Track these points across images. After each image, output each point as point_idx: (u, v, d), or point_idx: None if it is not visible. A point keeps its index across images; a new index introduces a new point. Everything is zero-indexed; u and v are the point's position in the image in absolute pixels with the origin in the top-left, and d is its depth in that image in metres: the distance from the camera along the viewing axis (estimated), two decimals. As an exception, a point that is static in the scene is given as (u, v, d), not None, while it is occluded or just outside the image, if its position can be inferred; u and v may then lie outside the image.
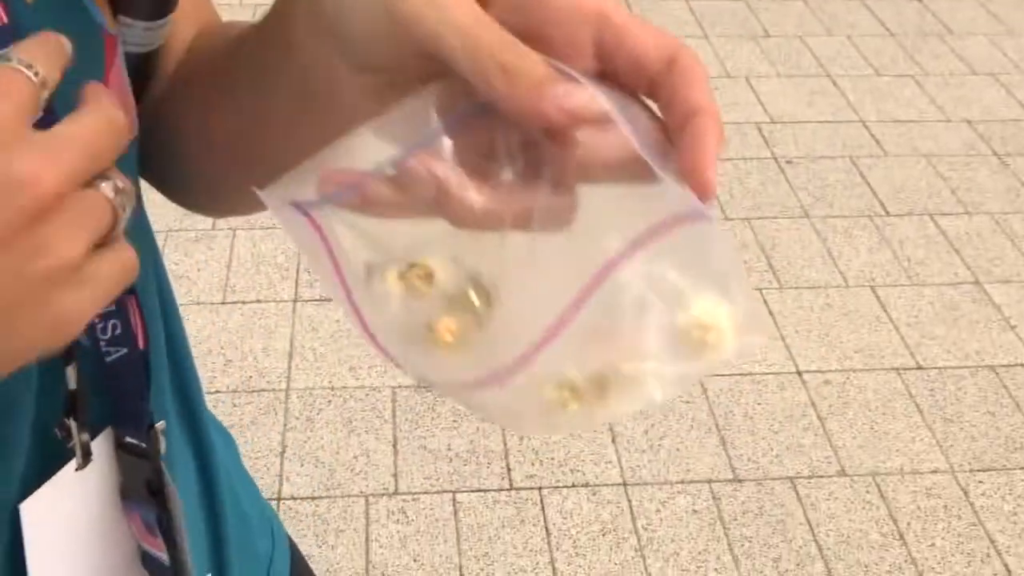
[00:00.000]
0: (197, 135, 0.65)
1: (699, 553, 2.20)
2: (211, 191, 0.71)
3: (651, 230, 0.40)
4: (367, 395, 2.48)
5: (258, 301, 2.74)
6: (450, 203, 0.44)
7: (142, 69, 0.63)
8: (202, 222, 2.93)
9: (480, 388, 0.43)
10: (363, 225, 0.44)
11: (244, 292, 2.76)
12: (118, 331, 0.57)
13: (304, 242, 0.45)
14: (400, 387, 2.51)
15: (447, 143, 0.43)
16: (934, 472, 2.41)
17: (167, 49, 0.66)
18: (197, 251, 2.88)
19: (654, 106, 0.45)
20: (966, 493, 2.36)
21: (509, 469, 2.34)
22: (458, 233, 0.44)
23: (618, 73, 0.44)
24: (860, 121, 3.64)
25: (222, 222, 2.97)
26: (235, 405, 2.43)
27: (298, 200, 0.45)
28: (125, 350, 0.58)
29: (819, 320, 2.80)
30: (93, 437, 0.59)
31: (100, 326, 0.57)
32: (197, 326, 2.64)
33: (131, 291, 0.59)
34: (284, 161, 0.63)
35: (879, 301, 2.87)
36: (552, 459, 2.37)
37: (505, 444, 2.40)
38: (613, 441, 2.42)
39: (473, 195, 0.43)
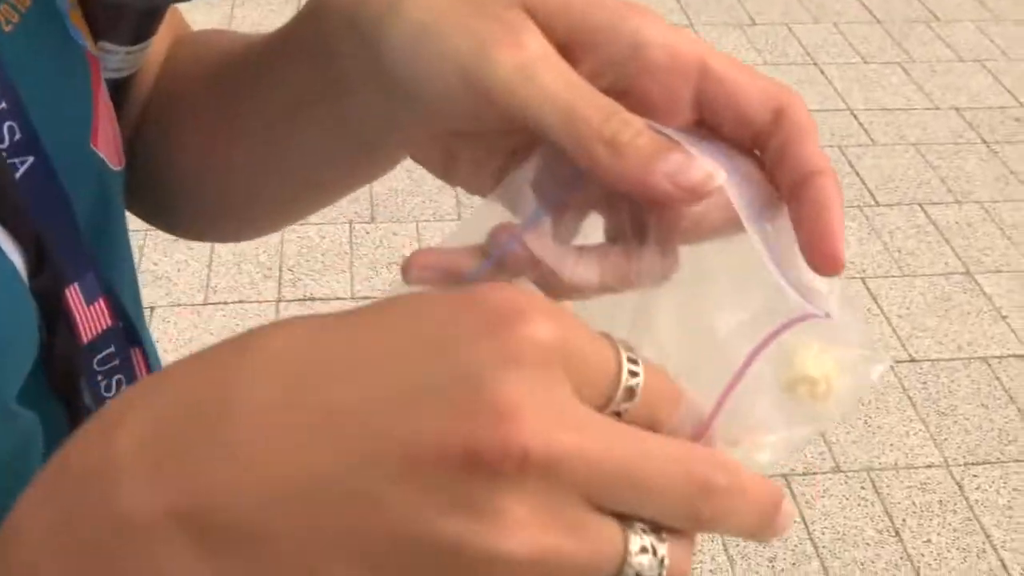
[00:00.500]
0: (199, 162, 0.61)
1: (694, 554, 2.16)
2: (215, 215, 0.67)
3: (773, 332, 0.37)
4: (353, 396, 2.44)
5: (240, 302, 2.69)
6: (547, 280, 0.40)
7: (117, 94, 0.59)
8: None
9: None
10: None
11: (226, 292, 2.71)
12: (124, 388, 0.53)
13: None
14: (387, 387, 2.47)
15: (546, 222, 0.40)
16: (928, 467, 2.38)
17: (140, 70, 0.62)
18: (177, 251, 2.83)
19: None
20: (961, 487, 2.34)
21: None
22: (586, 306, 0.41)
23: (721, 125, 0.41)
24: (848, 109, 3.61)
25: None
26: (219, 408, 2.38)
27: None
28: None
29: (810, 313, 2.77)
30: None
31: (104, 383, 0.52)
32: (179, 328, 2.59)
33: (136, 341, 0.55)
34: (315, 189, 0.60)
35: (870, 293, 2.84)
36: (542, 459, 2.34)
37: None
38: (604, 440, 2.39)
39: (569, 270, 0.40)
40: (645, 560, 0.32)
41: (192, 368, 0.34)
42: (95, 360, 0.51)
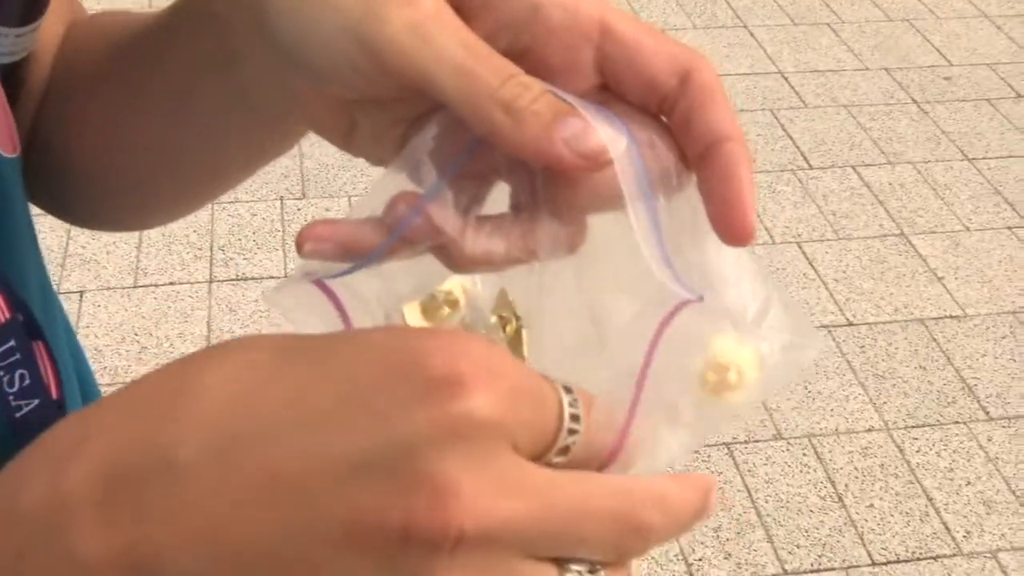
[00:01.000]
0: (102, 144, 0.59)
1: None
2: (119, 201, 0.65)
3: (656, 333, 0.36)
4: (290, 378, 2.40)
5: (171, 283, 2.63)
6: (450, 251, 0.39)
7: (10, 81, 0.56)
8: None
9: None
10: (380, 269, 0.40)
11: (156, 274, 2.65)
12: (27, 382, 0.51)
13: (309, 314, 0.39)
14: (324, 368, 2.43)
15: (447, 192, 0.39)
16: (869, 431, 2.39)
17: (35, 55, 0.59)
18: (105, 233, 2.76)
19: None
20: (902, 451, 2.35)
21: None
22: None
23: (625, 90, 0.39)
24: (779, 72, 3.60)
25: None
26: (152, 395, 2.33)
27: (319, 276, 0.40)
28: (37, 402, 0.52)
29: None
30: None
31: (6, 378, 0.50)
32: (108, 312, 2.53)
33: (38, 335, 0.53)
34: (220, 166, 0.58)
35: (806, 257, 2.84)
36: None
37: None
38: (546, 415, 2.37)
39: (472, 241, 0.39)
40: None
41: (134, 408, 0.33)
42: None
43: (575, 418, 0.33)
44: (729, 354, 0.37)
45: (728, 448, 2.32)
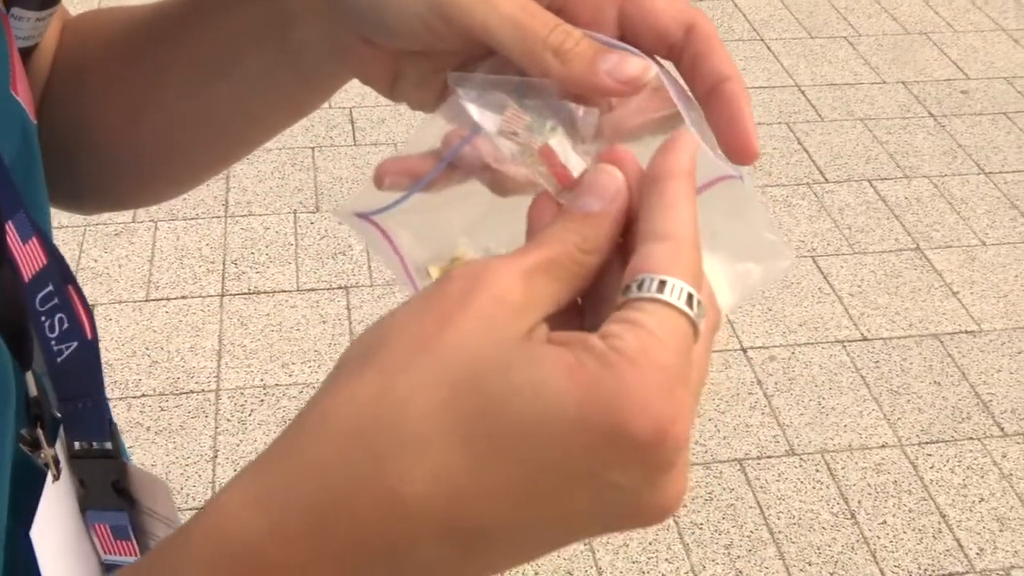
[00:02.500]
0: (124, 132, 0.63)
1: (649, 543, 2.14)
2: (147, 173, 0.68)
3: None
4: (301, 392, 2.40)
5: (183, 297, 2.63)
6: (496, 178, 0.46)
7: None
8: (121, 215, 2.82)
9: None
10: (416, 225, 0.48)
11: (168, 288, 2.66)
12: (66, 325, 0.55)
13: (378, 247, 0.49)
14: (335, 382, 2.42)
15: (491, 131, 0.45)
16: (883, 447, 2.37)
17: (40, 48, 0.62)
18: (117, 246, 2.76)
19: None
20: (915, 467, 2.33)
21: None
22: (488, 222, 0.47)
23: (640, 42, 0.46)
24: (795, 86, 3.59)
25: (143, 214, 2.86)
26: (163, 409, 2.33)
27: (360, 211, 0.48)
28: (76, 343, 0.55)
29: (762, 294, 2.75)
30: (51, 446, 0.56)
31: (47, 323, 0.54)
32: (120, 326, 2.53)
33: (69, 279, 0.56)
34: (255, 127, 0.63)
35: (821, 272, 2.83)
36: (495, 451, 2.30)
37: (446, 438, 2.32)
38: (557, 429, 2.36)
39: (513, 168, 0.45)
40: None
41: (349, 501, 0.36)
42: (37, 299, 0.54)
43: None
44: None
45: (740, 464, 2.31)
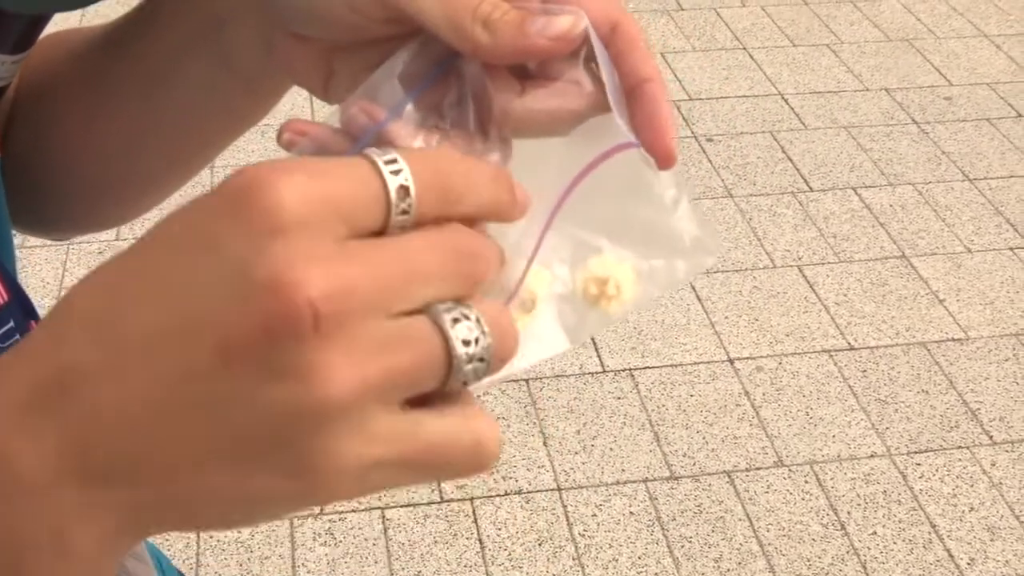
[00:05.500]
0: (80, 149, 0.64)
1: (639, 558, 2.13)
2: (95, 200, 0.69)
3: (589, 164, 0.43)
4: (287, 409, 2.38)
5: (167, 315, 2.61)
6: None
7: None
8: (105, 233, 2.80)
9: None
10: None
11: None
12: None
13: None
14: (321, 399, 2.41)
15: (410, 112, 0.44)
16: (871, 457, 2.37)
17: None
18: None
19: None
20: (904, 477, 2.32)
21: (439, 480, 2.25)
22: None
23: None
24: (778, 94, 3.59)
25: (126, 231, 2.84)
26: (148, 429, 2.31)
27: None
28: None
29: (748, 304, 2.74)
30: None
31: None
32: (104, 345, 2.51)
33: (33, 315, 0.58)
34: (201, 140, 0.63)
35: (807, 281, 2.83)
36: (483, 467, 2.29)
37: (433, 454, 2.31)
38: (545, 444, 2.35)
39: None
40: (463, 327, 0.35)
41: (38, 345, 0.36)
42: None
43: (404, 188, 0.35)
44: (608, 269, 0.44)
45: (729, 476, 2.30)
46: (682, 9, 4.08)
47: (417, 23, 0.44)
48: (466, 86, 0.45)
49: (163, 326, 0.33)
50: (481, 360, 0.35)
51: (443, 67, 0.45)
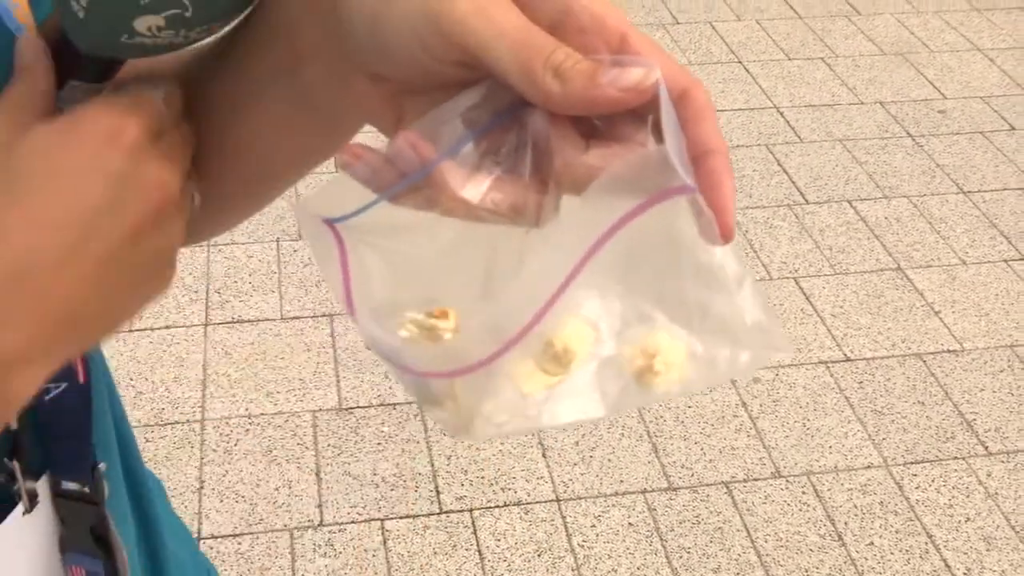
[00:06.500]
0: None
1: (638, 568, 2.14)
2: None
3: (639, 205, 0.42)
4: (286, 421, 2.39)
5: (167, 327, 2.63)
6: (442, 198, 0.45)
7: None
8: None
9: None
10: (385, 249, 0.48)
11: (152, 318, 2.65)
12: None
13: (326, 258, 0.48)
14: (320, 411, 2.42)
15: (469, 151, 0.45)
16: (868, 467, 2.38)
17: None
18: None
19: None
20: (901, 488, 2.34)
21: (438, 491, 2.27)
22: (461, 257, 0.47)
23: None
24: (774, 107, 3.61)
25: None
26: (147, 440, 2.32)
27: (324, 215, 0.48)
28: (65, 385, 0.56)
29: (745, 316, 2.75)
30: (33, 482, 0.57)
31: None
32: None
33: None
34: (274, 174, 0.64)
35: (803, 293, 2.84)
36: (482, 478, 2.30)
37: (432, 465, 2.32)
38: (544, 455, 2.36)
39: (480, 195, 0.45)
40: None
41: None
42: None
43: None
44: (659, 344, 0.43)
45: (727, 487, 2.31)
46: (677, 23, 4.10)
47: (487, 67, 0.43)
48: (527, 136, 0.45)
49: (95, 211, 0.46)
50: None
51: (508, 115, 0.45)
